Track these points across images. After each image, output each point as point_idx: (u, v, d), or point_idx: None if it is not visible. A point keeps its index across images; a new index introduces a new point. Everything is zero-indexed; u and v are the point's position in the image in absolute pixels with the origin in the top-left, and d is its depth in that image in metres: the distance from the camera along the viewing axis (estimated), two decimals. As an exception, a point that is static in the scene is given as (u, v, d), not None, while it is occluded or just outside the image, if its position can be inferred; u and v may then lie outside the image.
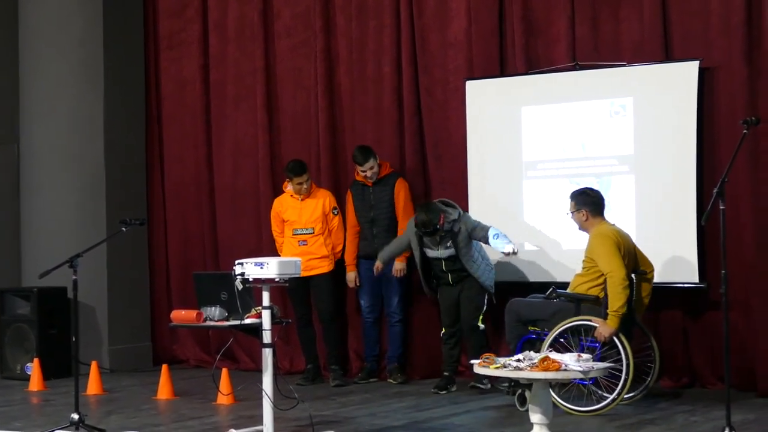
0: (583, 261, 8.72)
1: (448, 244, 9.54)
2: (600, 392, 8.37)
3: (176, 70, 12.24)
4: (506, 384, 8.67)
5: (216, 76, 11.92)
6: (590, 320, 8.42)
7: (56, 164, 11.74)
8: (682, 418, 8.15)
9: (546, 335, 8.50)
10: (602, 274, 8.51)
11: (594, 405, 8.32)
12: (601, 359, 8.08)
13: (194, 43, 12.04)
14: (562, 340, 8.48)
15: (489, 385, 9.47)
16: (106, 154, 11.79)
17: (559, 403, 8.29)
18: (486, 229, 9.45)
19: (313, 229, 10.39)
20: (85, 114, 11.76)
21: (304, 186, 10.35)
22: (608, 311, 8.36)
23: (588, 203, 8.74)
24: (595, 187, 9.04)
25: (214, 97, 11.93)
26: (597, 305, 8.54)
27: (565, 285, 8.97)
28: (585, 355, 6.68)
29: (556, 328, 8.44)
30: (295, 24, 11.39)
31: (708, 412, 8.33)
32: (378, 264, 9.99)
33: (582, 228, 8.82)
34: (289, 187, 10.51)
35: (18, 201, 12.04)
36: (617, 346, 8.37)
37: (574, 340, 8.42)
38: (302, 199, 10.42)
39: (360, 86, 10.95)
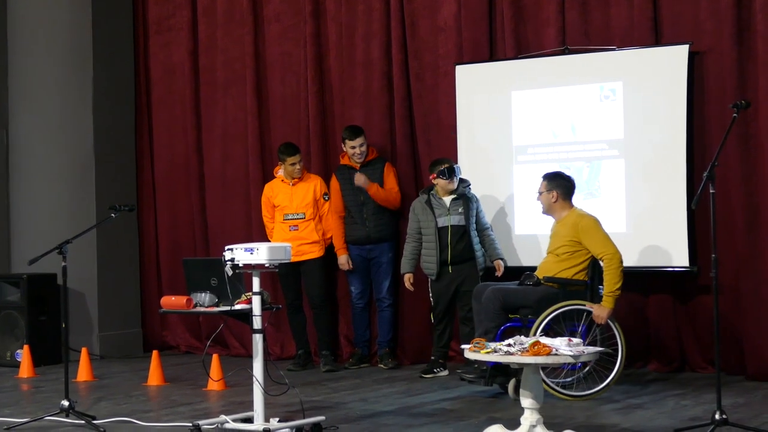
0: (558, 246, 8.62)
1: (460, 210, 9.52)
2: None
3: (165, 56, 12.21)
4: (472, 375, 8.67)
5: (205, 62, 11.89)
6: (584, 305, 8.42)
7: (45, 150, 11.71)
8: (672, 402, 8.16)
9: (531, 323, 8.44)
10: (586, 259, 8.49)
11: (586, 390, 8.33)
12: (591, 344, 8.08)
13: (183, 29, 12.01)
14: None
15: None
16: (95, 140, 11.77)
17: (551, 387, 8.29)
18: (489, 226, 9.58)
19: (304, 214, 10.38)
20: (74, 100, 11.73)
21: (297, 167, 10.34)
22: (605, 293, 8.37)
23: (560, 186, 8.72)
24: (585, 172, 9.02)
25: (204, 83, 11.90)
26: (584, 290, 8.55)
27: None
28: (575, 339, 6.67)
29: (545, 314, 8.39)
30: (284, 9, 11.36)
31: (698, 396, 8.34)
32: (409, 276, 9.89)
33: (547, 211, 8.77)
34: (280, 172, 10.50)
35: (7, 187, 12.01)
36: (611, 330, 8.40)
37: (561, 326, 8.38)
38: (293, 184, 10.41)
39: (349, 71, 10.93)
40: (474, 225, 9.58)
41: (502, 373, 8.48)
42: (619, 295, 8.39)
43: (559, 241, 8.66)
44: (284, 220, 10.44)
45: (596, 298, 8.53)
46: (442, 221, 9.59)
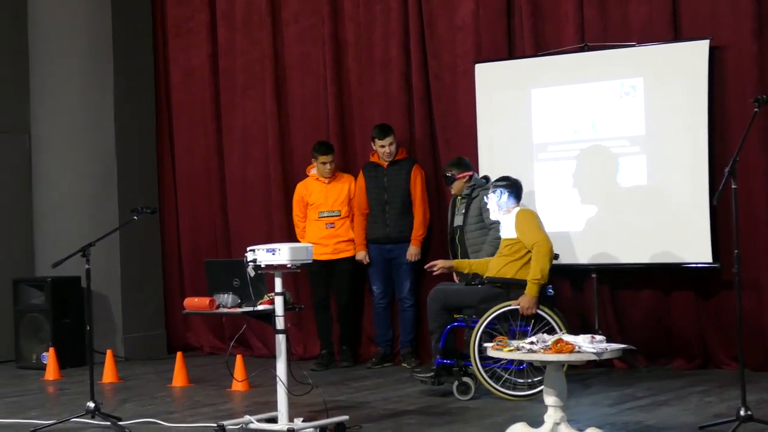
0: (506, 245, 8.53)
1: (463, 210, 9.53)
2: (521, 380, 8.32)
3: (185, 59, 12.26)
4: (423, 375, 8.66)
5: (224, 65, 11.93)
6: (511, 304, 8.35)
7: (67, 154, 11.78)
8: (696, 398, 8.14)
9: (475, 323, 8.42)
10: (527, 253, 8.38)
11: (526, 390, 8.28)
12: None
13: (202, 32, 12.05)
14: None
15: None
16: (116, 144, 11.82)
17: (493, 387, 8.29)
18: (494, 226, 9.19)
19: (340, 211, 10.49)
20: (95, 104, 11.78)
21: (328, 167, 10.43)
22: (528, 279, 8.25)
23: (508, 187, 8.62)
24: (606, 168, 8.97)
25: (223, 86, 11.94)
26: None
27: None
28: (598, 337, 6.65)
29: (485, 315, 8.34)
30: (302, 10, 11.38)
31: (722, 392, 8.32)
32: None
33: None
34: (313, 171, 10.59)
35: (30, 191, 12.08)
36: (546, 321, 8.25)
37: (504, 326, 8.32)
38: (328, 182, 10.48)
39: (368, 71, 10.95)
40: (473, 225, 9.51)
41: (447, 373, 8.54)
42: (543, 284, 8.24)
43: (504, 240, 8.61)
44: (319, 217, 10.54)
45: (546, 300, 8.39)
46: (456, 220, 9.62)
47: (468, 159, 9.75)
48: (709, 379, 8.93)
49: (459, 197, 9.57)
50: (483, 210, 9.35)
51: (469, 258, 9.32)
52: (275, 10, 11.52)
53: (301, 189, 10.68)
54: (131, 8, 12.09)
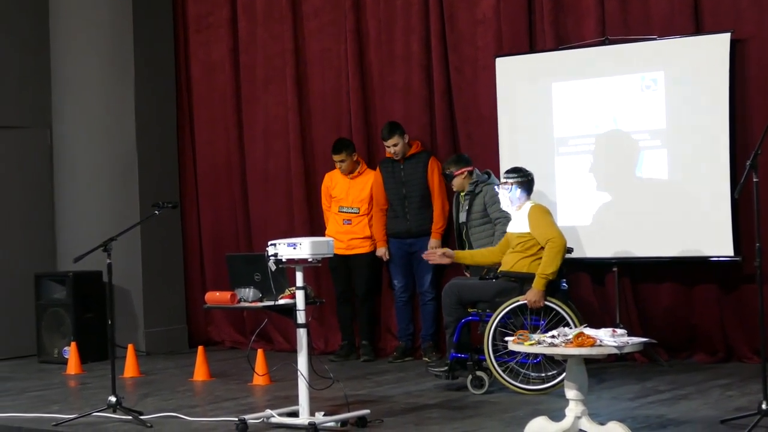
0: (516, 239, 8.51)
1: (466, 207, 9.54)
2: (536, 373, 8.33)
3: (205, 54, 12.28)
4: (438, 369, 8.67)
5: (245, 59, 11.95)
6: (519, 300, 8.34)
7: (89, 149, 11.83)
8: (718, 392, 8.12)
9: (489, 317, 8.41)
10: (540, 249, 8.35)
11: (542, 384, 8.28)
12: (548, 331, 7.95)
13: (223, 26, 12.07)
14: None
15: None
16: (137, 138, 11.86)
17: (507, 381, 8.29)
18: (499, 219, 9.24)
19: (359, 209, 10.54)
20: (116, 98, 11.83)
21: (342, 165, 10.47)
22: (537, 273, 8.23)
23: (520, 181, 8.56)
24: (628, 162, 8.94)
25: (244, 80, 11.96)
26: None
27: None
28: (620, 330, 6.64)
29: (499, 310, 8.34)
30: (323, 4, 11.38)
31: (744, 386, 8.29)
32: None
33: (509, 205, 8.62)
34: None
35: (52, 186, 12.13)
36: (562, 316, 8.22)
37: (519, 320, 8.30)
38: (352, 177, 10.50)
39: (389, 65, 10.94)
40: (477, 221, 9.50)
41: (462, 367, 8.54)
42: (551, 279, 8.21)
43: (515, 234, 8.57)
44: (339, 212, 10.63)
45: (558, 293, 8.38)
46: (461, 217, 9.63)
47: (467, 155, 9.77)
48: (731, 373, 8.91)
49: (462, 193, 9.57)
50: (488, 205, 9.36)
51: None
52: (296, 5, 11.53)
53: (327, 180, 10.81)
54: (152, 3, 12.12)
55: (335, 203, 10.66)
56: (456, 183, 9.58)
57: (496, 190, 8.93)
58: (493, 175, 9.61)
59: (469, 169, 9.55)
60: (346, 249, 10.52)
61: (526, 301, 8.27)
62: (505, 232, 8.78)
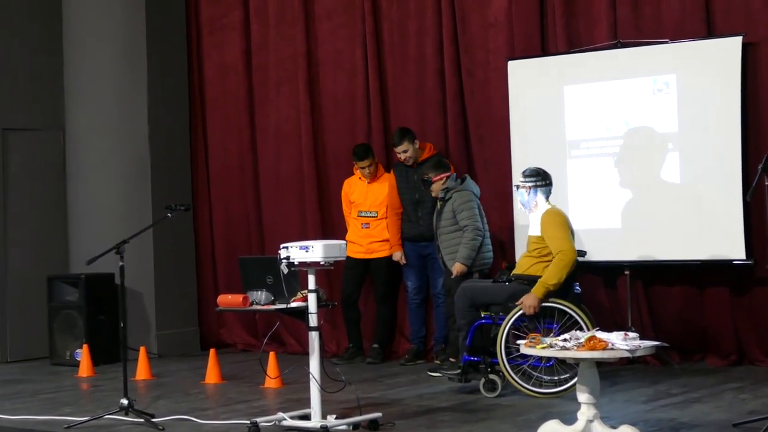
0: (531, 242, 8.49)
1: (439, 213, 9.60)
2: (548, 377, 8.32)
3: (218, 56, 12.30)
4: (456, 372, 8.67)
5: (258, 61, 11.97)
6: (557, 302, 8.28)
7: (102, 150, 11.84)
8: (730, 395, 8.11)
9: (502, 320, 8.40)
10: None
11: (555, 387, 8.26)
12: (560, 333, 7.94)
13: (236, 29, 12.10)
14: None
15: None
16: (150, 140, 11.88)
17: (520, 385, 8.29)
18: (467, 227, 9.35)
19: (377, 212, 10.56)
20: (129, 100, 11.84)
21: (367, 171, 10.55)
22: (540, 280, 8.20)
23: (537, 182, 8.53)
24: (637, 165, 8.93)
25: (257, 82, 11.98)
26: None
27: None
28: (631, 334, 6.63)
29: (511, 313, 8.31)
30: (336, 7, 11.40)
31: (757, 389, 8.28)
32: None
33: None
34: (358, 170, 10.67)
35: (64, 188, 12.15)
36: (574, 318, 8.19)
37: (531, 323, 8.28)
38: (369, 182, 10.55)
39: (401, 68, 10.95)
40: (447, 228, 9.55)
41: (475, 370, 8.56)
42: (552, 290, 8.17)
43: (531, 238, 8.55)
44: (358, 216, 10.67)
45: (570, 297, 8.37)
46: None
47: (446, 159, 9.79)
48: (744, 376, 8.89)
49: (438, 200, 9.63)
50: (456, 212, 9.42)
51: (445, 259, 9.51)
52: (308, 7, 11.55)
53: (346, 186, 10.85)
54: (165, 5, 12.15)
55: (354, 208, 10.69)
56: (435, 189, 9.64)
57: (475, 194, 9.29)
58: (469, 180, 9.65)
59: (448, 174, 9.57)
60: (365, 253, 10.54)
61: (547, 305, 8.24)
62: (474, 239, 9.10)
